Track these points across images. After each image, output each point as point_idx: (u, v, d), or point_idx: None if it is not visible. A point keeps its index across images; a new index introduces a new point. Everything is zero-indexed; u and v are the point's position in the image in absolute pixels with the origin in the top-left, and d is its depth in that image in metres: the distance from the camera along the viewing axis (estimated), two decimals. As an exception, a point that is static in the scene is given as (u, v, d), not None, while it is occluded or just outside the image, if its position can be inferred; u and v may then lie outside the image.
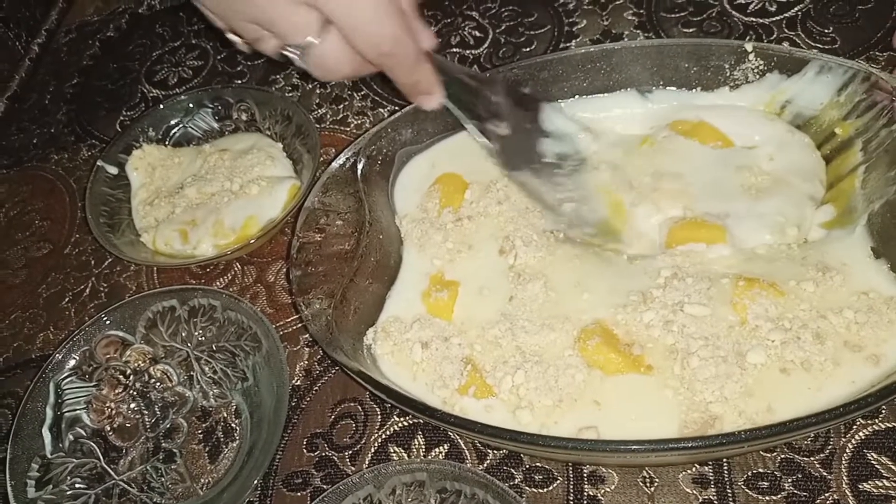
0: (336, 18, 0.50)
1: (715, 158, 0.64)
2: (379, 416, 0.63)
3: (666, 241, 0.61)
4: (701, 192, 0.62)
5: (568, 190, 0.64)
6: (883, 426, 0.54)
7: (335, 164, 0.64)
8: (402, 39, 0.52)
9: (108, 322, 0.67)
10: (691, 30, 0.83)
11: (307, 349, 0.69)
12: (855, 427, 0.54)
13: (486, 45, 0.90)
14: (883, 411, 0.54)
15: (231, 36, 0.56)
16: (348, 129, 0.86)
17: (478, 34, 0.91)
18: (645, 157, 0.65)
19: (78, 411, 0.66)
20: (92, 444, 0.65)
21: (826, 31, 0.77)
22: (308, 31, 0.51)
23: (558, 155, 0.65)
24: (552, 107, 0.66)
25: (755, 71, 0.65)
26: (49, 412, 0.64)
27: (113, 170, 0.81)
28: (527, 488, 0.57)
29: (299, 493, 0.61)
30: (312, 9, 0.49)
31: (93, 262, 0.83)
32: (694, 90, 0.67)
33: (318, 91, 0.91)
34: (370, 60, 0.53)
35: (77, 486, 0.62)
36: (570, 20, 0.89)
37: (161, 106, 0.86)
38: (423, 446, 0.61)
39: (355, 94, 0.89)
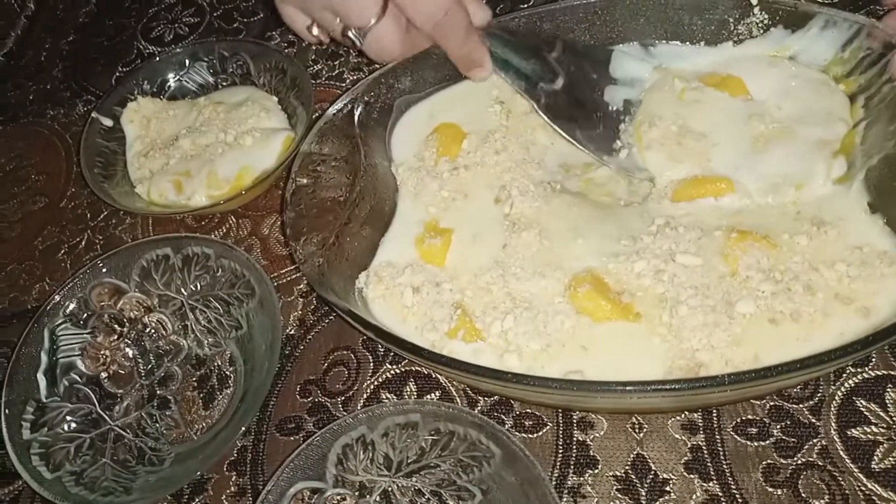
0: None
1: (740, 112, 0.63)
2: (371, 364, 0.63)
3: (672, 196, 0.61)
4: (722, 152, 0.61)
5: (629, 135, 0.64)
6: (872, 374, 0.54)
7: (332, 110, 0.64)
8: (454, 10, 0.59)
9: (104, 269, 0.67)
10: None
11: (301, 300, 0.69)
12: (844, 375, 0.55)
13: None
14: (873, 359, 0.55)
15: (315, 30, 0.64)
16: (344, 84, 0.85)
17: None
18: (672, 103, 0.64)
19: (72, 358, 0.66)
20: (87, 389, 0.66)
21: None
22: (371, 14, 0.59)
23: (626, 101, 0.65)
24: (622, 52, 0.65)
25: (759, 25, 0.64)
26: (44, 357, 0.64)
27: (108, 122, 0.81)
28: (517, 434, 0.57)
29: (292, 438, 0.61)
30: None
31: (88, 215, 0.83)
32: (697, 45, 0.66)
33: (313, 48, 0.90)
34: (425, 32, 0.60)
35: (72, 429, 0.63)
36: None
37: (156, 59, 0.85)
38: (415, 393, 0.61)
39: (352, 51, 0.88)
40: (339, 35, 0.62)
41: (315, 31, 0.64)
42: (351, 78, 0.86)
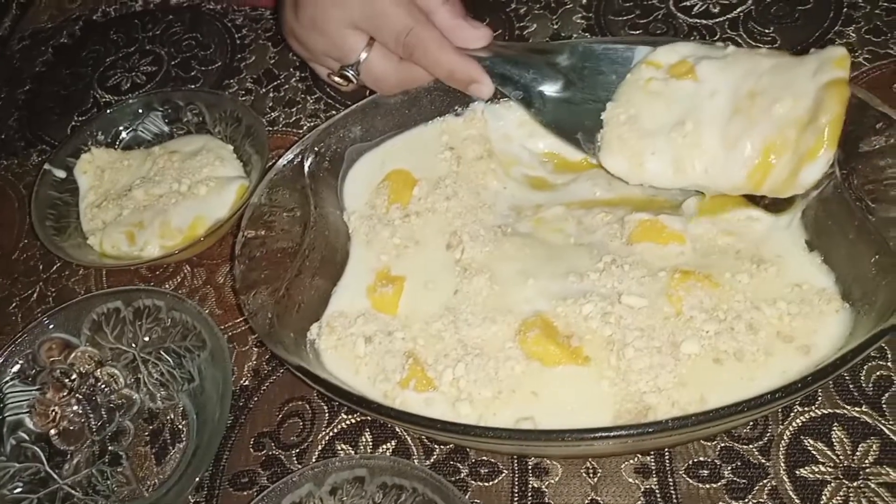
0: (366, 27, 0.65)
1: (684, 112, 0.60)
2: (327, 414, 0.63)
3: (629, 236, 0.61)
4: (658, 160, 0.60)
5: None
6: (819, 412, 0.55)
7: (282, 161, 0.64)
8: (415, 28, 0.63)
9: (50, 326, 0.66)
10: (638, 31, 0.84)
11: (256, 349, 0.69)
12: (792, 414, 0.55)
13: (438, 47, 0.90)
14: (819, 397, 0.55)
15: (336, 78, 0.71)
16: (301, 131, 0.86)
17: (431, 37, 0.92)
18: (636, 91, 0.62)
19: (20, 415, 0.65)
20: (35, 448, 0.64)
21: (767, 30, 0.79)
22: (358, 49, 0.67)
23: None
24: (645, 51, 0.62)
25: None
26: (-11, 417, 0.63)
27: (61, 173, 0.80)
28: (472, 482, 0.57)
29: (245, 493, 0.60)
30: (358, 31, 0.66)
31: (41, 266, 0.82)
32: None
33: (271, 95, 0.91)
34: (400, 55, 0.65)
35: (19, 491, 0.61)
36: (521, 24, 0.90)
37: (109, 110, 0.85)
38: (371, 443, 0.61)
39: (308, 97, 0.89)
40: (340, 75, 0.69)
41: (336, 78, 0.70)
42: (308, 124, 0.86)
